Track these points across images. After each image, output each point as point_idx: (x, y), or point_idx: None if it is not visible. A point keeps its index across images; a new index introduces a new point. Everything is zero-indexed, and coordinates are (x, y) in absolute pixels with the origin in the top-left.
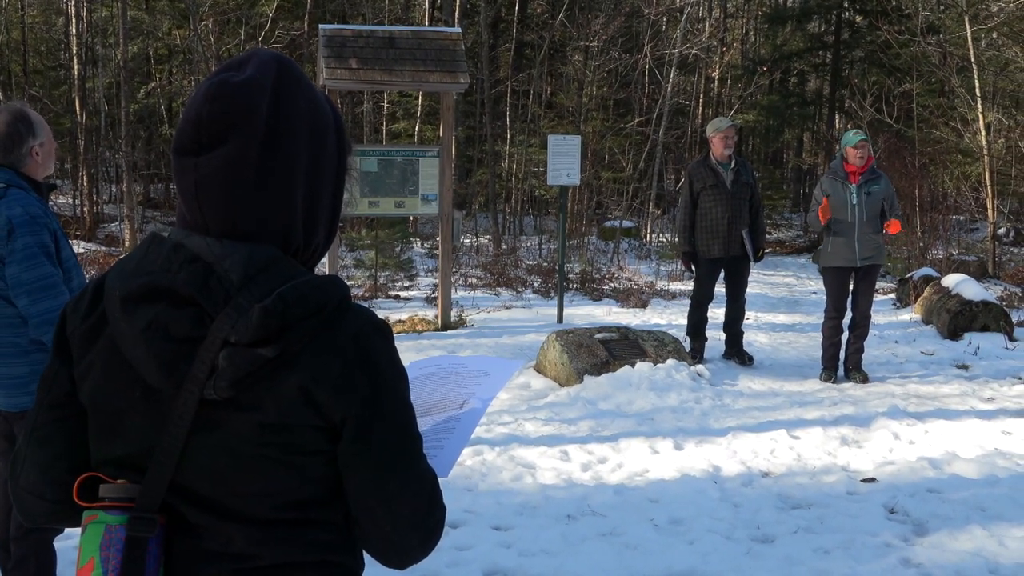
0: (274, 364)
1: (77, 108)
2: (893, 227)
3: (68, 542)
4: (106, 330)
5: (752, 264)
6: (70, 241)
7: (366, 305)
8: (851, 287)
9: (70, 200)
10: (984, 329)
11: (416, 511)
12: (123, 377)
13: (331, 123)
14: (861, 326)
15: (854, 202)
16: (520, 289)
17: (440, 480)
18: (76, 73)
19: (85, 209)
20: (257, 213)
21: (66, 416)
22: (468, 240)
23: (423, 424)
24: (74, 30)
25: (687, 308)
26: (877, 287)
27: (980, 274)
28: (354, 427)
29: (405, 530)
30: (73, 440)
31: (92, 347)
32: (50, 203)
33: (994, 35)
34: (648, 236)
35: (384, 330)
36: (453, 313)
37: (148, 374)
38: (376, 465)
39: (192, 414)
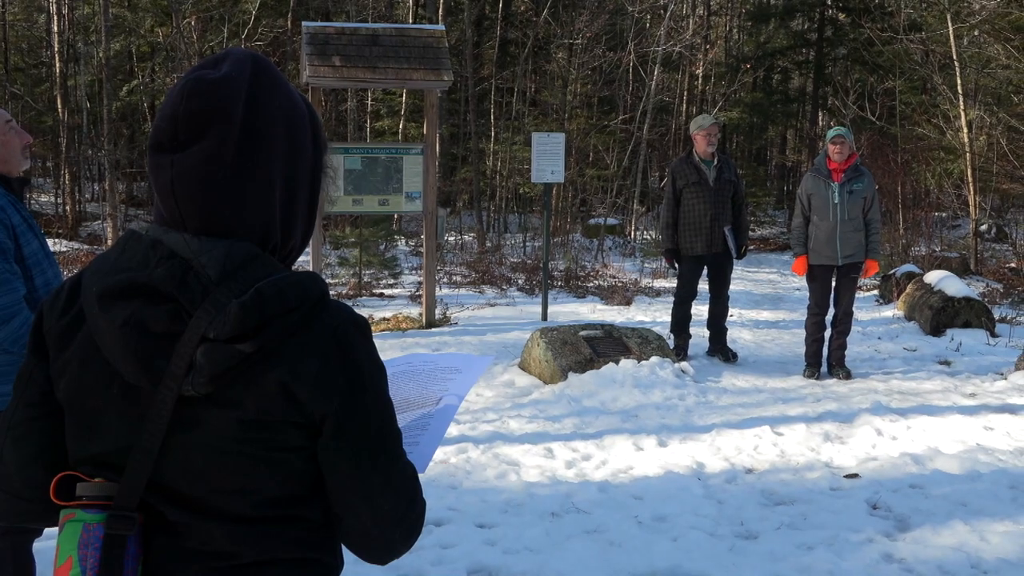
0: (253, 360)
1: (59, 106)
2: (870, 269)
3: (48, 542)
4: (83, 328)
5: (735, 261)
6: (51, 240)
7: (350, 303)
8: (833, 284)
9: (52, 198)
10: (966, 325)
11: (398, 506)
12: (101, 374)
13: (307, 121)
14: (844, 323)
15: (836, 201)
16: (504, 287)
17: (422, 477)
18: (58, 71)
19: (67, 207)
20: (234, 210)
21: (42, 415)
22: (452, 238)
23: (398, 421)
24: (56, 28)
25: (671, 305)
26: (860, 283)
27: (962, 270)
28: (334, 423)
29: (387, 525)
30: (49, 439)
31: (69, 345)
32: (27, 200)
33: (976, 33)
34: (632, 233)
35: (363, 326)
36: (437, 311)
37: (126, 371)
38: (357, 462)
39: (170, 411)
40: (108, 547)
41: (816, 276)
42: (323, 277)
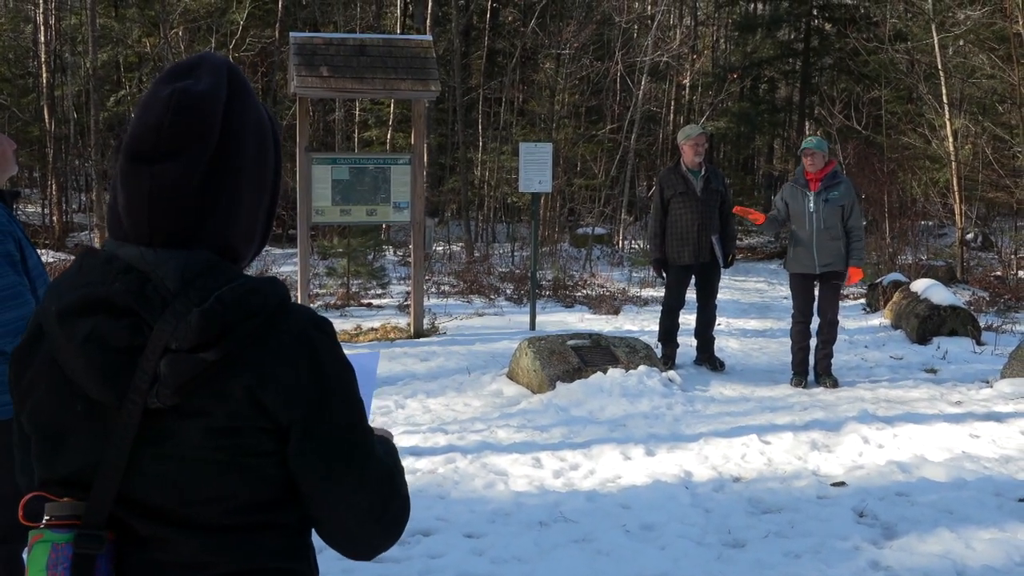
0: (217, 368)
1: (46, 116)
2: (853, 277)
3: None
4: (41, 347)
5: (723, 270)
6: (39, 250)
7: (338, 313)
8: (816, 292)
9: (39, 209)
10: (952, 333)
11: (374, 504)
12: (64, 393)
13: (271, 132)
14: (827, 332)
15: (811, 210)
16: (493, 296)
17: (410, 487)
18: (45, 81)
19: (54, 218)
20: (203, 221)
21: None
22: (441, 248)
23: None
24: (43, 38)
25: (659, 314)
26: (847, 292)
27: (948, 279)
28: (301, 428)
29: (368, 523)
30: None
31: (29, 366)
32: (16, 211)
33: (961, 43)
34: (620, 243)
35: (326, 328)
36: (426, 321)
37: (89, 387)
38: (328, 464)
39: (136, 425)
40: (77, 566)
41: (797, 284)
42: (284, 282)
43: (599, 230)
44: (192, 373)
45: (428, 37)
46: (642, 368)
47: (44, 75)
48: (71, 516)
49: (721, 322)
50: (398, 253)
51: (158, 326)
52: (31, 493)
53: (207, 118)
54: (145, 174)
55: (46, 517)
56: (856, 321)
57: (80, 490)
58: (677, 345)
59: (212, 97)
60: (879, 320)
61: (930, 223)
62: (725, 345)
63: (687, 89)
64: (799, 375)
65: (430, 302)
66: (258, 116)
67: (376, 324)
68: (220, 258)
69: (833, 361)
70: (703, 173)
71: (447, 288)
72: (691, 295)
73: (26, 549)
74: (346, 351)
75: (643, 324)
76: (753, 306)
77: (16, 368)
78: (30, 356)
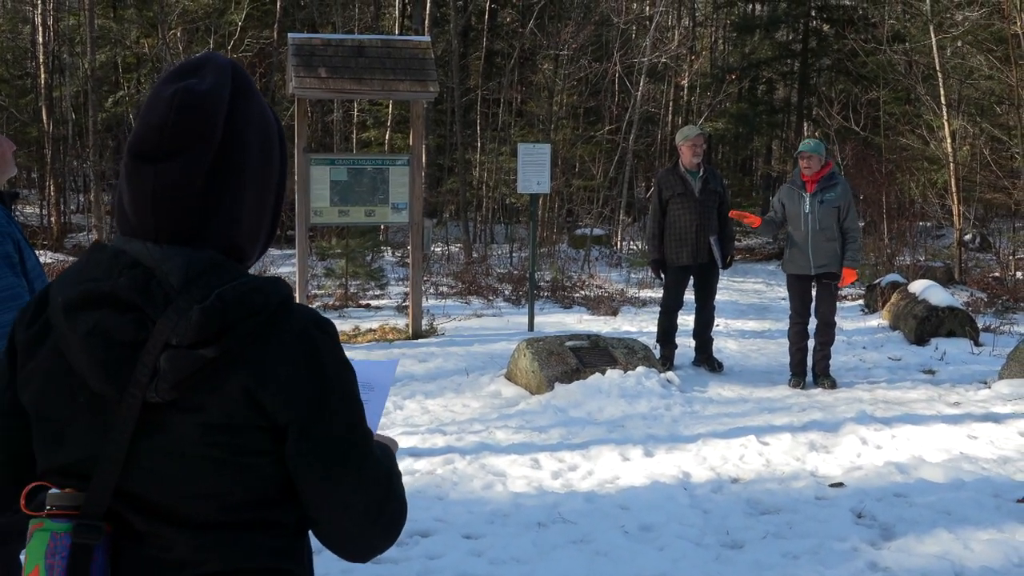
0: (216, 365)
1: (44, 117)
2: (847, 278)
3: None
4: (49, 339)
5: (721, 271)
6: (37, 251)
7: (336, 314)
8: (813, 293)
9: (37, 210)
10: (950, 334)
11: (372, 504)
12: (67, 384)
13: (275, 132)
14: (824, 333)
15: (807, 211)
16: (491, 297)
17: (409, 488)
18: (43, 82)
19: (52, 219)
20: (207, 220)
21: (11, 426)
22: (439, 248)
23: None
24: (41, 39)
25: (657, 315)
26: (845, 293)
27: (946, 280)
28: (299, 427)
29: (364, 525)
30: (18, 449)
31: (35, 356)
32: (14, 212)
33: (959, 44)
34: (619, 244)
35: (327, 328)
36: (424, 322)
37: (92, 379)
38: (327, 464)
39: (135, 418)
40: (75, 556)
41: (794, 285)
42: (287, 282)
43: (597, 231)
44: (191, 369)
45: (426, 38)
46: (640, 369)
47: (42, 76)
48: (72, 506)
49: (719, 323)
50: (396, 254)
51: (160, 321)
52: (33, 483)
53: (210, 117)
54: (149, 173)
55: (48, 506)
56: (854, 322)
57: (81, 481)
58: (675, 346)
59: (215, 97)
60: (877, 321)
61: (928, 224)
62: (723, 346)
63: (685, 90)
64: (797, 376)
65: (428, 303)
66: (262, 116)
67: (374, 325)
68: (225, 257)
69: (831, 362)
70: (701, 174)
71: (445, 289)
72: (689, 296)
73: (27, 539)
74: (367, 358)
75: (641, 325)
76: (751, 307)
77: (21, 358)
78: (35, 348)
